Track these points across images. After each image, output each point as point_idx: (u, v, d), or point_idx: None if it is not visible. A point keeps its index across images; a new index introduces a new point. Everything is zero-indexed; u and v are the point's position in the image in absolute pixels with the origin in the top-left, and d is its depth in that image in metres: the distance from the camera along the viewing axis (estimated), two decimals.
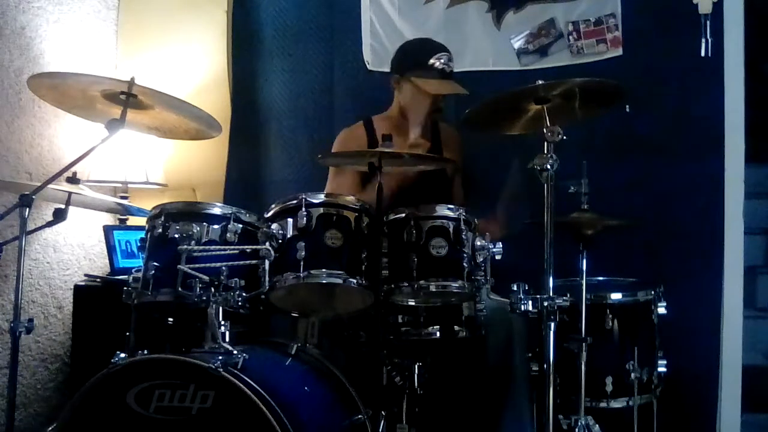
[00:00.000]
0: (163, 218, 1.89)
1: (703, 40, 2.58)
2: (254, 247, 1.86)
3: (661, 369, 2.23)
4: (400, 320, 2.04)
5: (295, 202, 1.90)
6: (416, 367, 2.06)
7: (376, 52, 2.99)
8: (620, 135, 2.67)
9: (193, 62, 3.20)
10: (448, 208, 1.96)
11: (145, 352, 1.82)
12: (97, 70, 3.03)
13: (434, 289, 1.90)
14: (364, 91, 2.96)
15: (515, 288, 1.85)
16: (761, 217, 3.29)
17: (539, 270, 1.82)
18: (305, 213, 1.86)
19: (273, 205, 1.96)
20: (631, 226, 2.37)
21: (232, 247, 1.86)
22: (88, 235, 3.04)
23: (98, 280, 2.79)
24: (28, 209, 1.93)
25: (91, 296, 2.73)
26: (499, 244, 1.95)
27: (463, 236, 1.93)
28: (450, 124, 2.66)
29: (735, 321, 2.59)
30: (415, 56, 2.50)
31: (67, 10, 2.98)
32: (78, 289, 2.78)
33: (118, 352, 1.82)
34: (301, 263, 1.83)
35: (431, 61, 2.43)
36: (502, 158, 2.44)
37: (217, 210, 1.92)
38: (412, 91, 2.47)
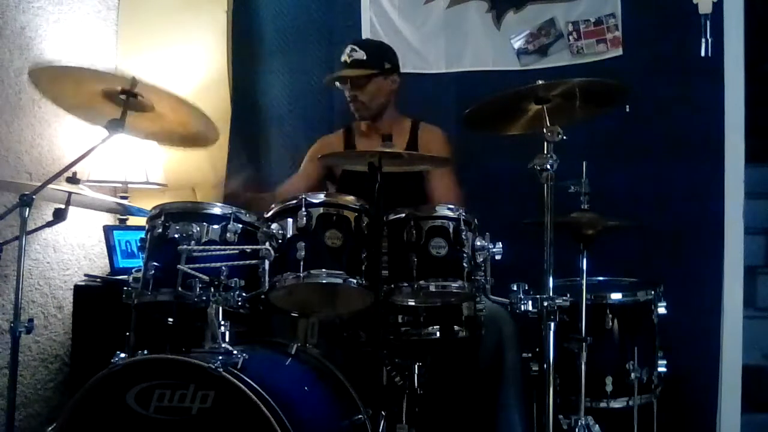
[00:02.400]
0: (163, 218, 1.89)
1: (703, 40, 2.58)
2: (254, 247, 1.85)
3: (661, 369, 2.23)
4: (400, 320, 2.04)
5: (295, 202, 1.90)
6: (416, 367, 2.06)
7: None
8: (620, 135, 2.67)
9: (193, 62, 3.20)
10: (448, 208, 1.96)
11: (145, 352, 1.82)
12: None
13: (434, 289, 1.90)
14: None
15: (515, 288, 1.85)
16: (761, 217, 3.29)
17: (539, 270, 1.82)
18: (305, 213, 1.86)
19: (273, 205, 1.96)
20: (631, 226, 2.37)
21: (232, 247, 1.86)
22: (88, 235, 3.04)
23: (98, 280, 2.79)
24: (28, 209, 1.94)
25: (91, 296, 2.73)
26: (499, 244, 1.95)
27: (463, 236, 1.93)
28: (434, 124, 2.66)
29: (735, 321, 2.59)
30: None
31: (67, 10, 2.98)
32: (78, 289, 2.78)
33: (118, 352, 1.83)
34: (301, 263, 1.83)
35: (341, 57, 2.55)
36: (500, 156, 2.44)
37: (217, 210, 1.91)
38: None
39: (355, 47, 2.52)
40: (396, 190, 2.00)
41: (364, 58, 2.51)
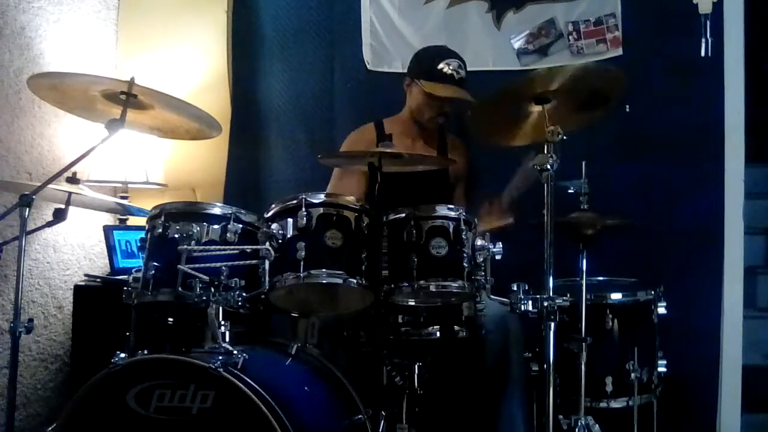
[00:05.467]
0: (163, 218, 1.89)
1: (703, 40, 2.58)
2: (254, 247, 1.86)
3: (661, 369, 2.24)
4: (400, 320, 2.04)
5: (295, 202, 1.90)
6: (416, 367, 2.06)
7: (376, 52, 2.99)
8: (620, 135, 2.67)
9: (193, 62, 3.20)
10: (448, 208, 1.96)
11: (145, 352, 1.81)
12: (97, 70, 3.03)
13: (434, 289, 1.90)
14: (363, 91, 2.97)
15: (515, 288, 1.85)
16: (761, 217, 3.28)
17: (539, 270, 1.82)
18: (305, 213, 1.86)
19: (273, 205, 1.96)
20: (631, 226, 2.37)
21: (232, 247, 1.86)
22: (88, 235, 3.03)
23: (98, 280, 2.78)
24: (28, 209, 1.94)
25: (91, 296, 2.73)
26: (499, 244, 1.95)
27: (463, 236, 1.93)
28: (455, 135, 2.68)
29: (735, 321, 2.59)
30: (426, 61, 2.54)
31: (67, 10, 2.97)
32: (78, 289, 2.78)
33: (118, 352, 1.82)
34: (301, 263, 1.83)
35: (440, 65, 2.47)
36: (501, 156, 2.44)
37: (217, 210, 1.92)
38: (419, 94, 2.53)
39: (461, 64, 2.49)
40: (425, 194, 2.02)
41: (465, 76, 2.50)
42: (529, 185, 2.33)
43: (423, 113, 2.54)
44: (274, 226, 1.87)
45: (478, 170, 2.72)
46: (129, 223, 2.95)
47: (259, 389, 1.62)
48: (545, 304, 1.80)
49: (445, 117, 2.55)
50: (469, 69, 2.83)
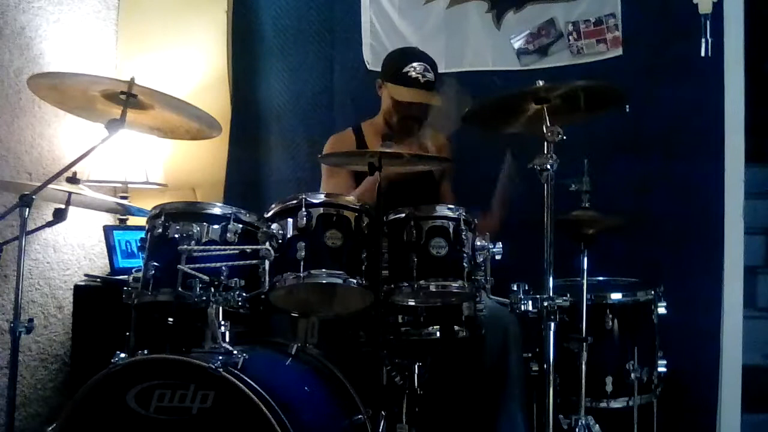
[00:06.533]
0: (163, 218, 1.89)
1: (703, 40, 2.58)
2: (254, 247, 1.86)
3: (661, 369, 2.24)
4: (400, 320, 2.04)
5: (295, 202, 1.90)
6: (416, 367, 2.05)
7: (376, 52, 2.99)
8: (620, 135, 2.67)
9: (193, 62, 3.20)
10: (448, 208, 1.96)
11: (145, 352, 1.81)
12: (97, 70, 3.04)
13: (434, 289, 1.90)
14: (364, 91, 2.96)
15: (515, 288, 1.85)
16: (761, 217, 3.29)
17: (539, 270, 1.82)
18: (305, 213, 1.86)
19: (273, 205, 1.96)
20: (631, 226, 2.37)
21: (232, 247, 1.86)
22: (88, 235, 3.04)
23: (98, 280, 2.79)
24: (28, 209, 1.94)
25: (91, 296, 2.73)
26: (499, 244, 1.95)
27: (463, 236, 1.93)
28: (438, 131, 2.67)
29: (735, 321, 2.59)
30: (394, 63, 2.51)
31: (67, 10, 2.98)
32: (78, 289, 2.78)
33: (118, 352, 1.82)
34: (301, 263, 1.83)
35: (405, 69, 2.42)
36: (498, 161, 2.44)
37: (217, 210, 1.92)
38: (388, 98, 2.51)
39: (428, 67, 2.43)
40: (410, 193, 2.01)
41: (433, 80, 2.45)
42: (510, 194, 2.37)
43: (392, 116, 2.50)
44: (274, 226, 1.87)
45: (462, 163, 2.67)
46: (129, 223, 2.95)
47: (259, 389, 1.62)
48: (545, 304, 1.80)
49: (419, 122, 2.48)
50: (469, 69, 2.84)
